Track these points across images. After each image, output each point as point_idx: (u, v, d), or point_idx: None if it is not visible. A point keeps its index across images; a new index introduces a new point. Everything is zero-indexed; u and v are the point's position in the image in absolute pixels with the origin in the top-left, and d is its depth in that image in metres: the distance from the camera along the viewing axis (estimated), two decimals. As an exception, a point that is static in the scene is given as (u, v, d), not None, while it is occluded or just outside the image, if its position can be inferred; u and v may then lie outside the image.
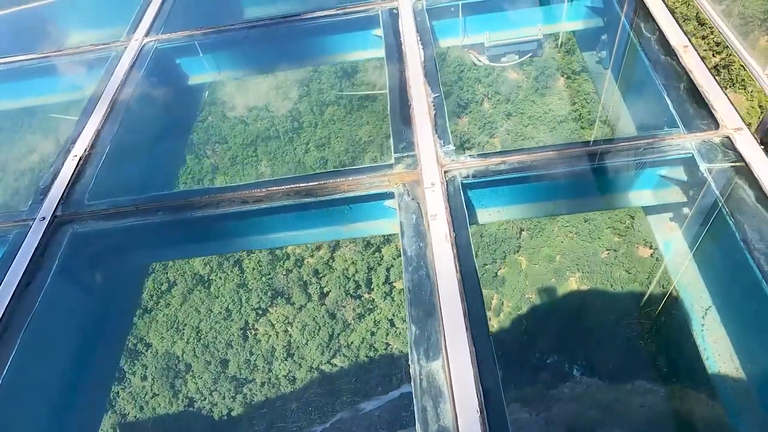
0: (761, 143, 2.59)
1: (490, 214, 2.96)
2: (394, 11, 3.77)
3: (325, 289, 29.51)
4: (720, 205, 2.46)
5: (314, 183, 2.78)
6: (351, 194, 2.75)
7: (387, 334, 29.12)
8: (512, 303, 30.93)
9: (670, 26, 3.22)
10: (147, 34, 3.98)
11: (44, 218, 2.82)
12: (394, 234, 2.74)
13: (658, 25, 3.27)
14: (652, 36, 3.26)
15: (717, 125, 2.66)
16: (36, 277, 2.68)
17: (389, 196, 2.75)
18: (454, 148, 2.81)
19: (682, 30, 3.18)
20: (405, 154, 2.84)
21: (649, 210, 3.16)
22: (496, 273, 31.59)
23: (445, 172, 2.70)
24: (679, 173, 2.76)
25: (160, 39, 3.95)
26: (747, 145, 2.55)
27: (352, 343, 29.50)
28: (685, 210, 2.86)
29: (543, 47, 4.14)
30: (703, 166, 2.54)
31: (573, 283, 30.38)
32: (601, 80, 4.11)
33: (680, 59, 3.02)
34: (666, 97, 2.93)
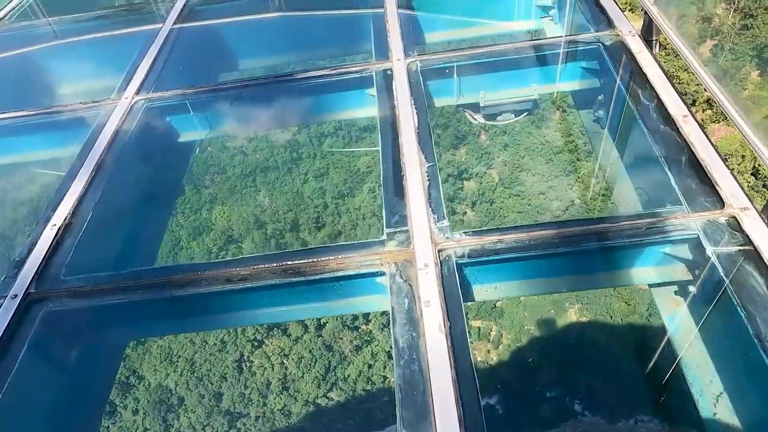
0: (769, 224, 2.48)
1: (487, 291, 2.83)
2: (389, 72, 3.71)
3: (323, 320, 29.11)
4: (729, 293, 2.33)
5: (302, 261, 2.66)
6: (341, 273, 2.62)
7: (384, 367, 28.59)
8: (511, 335, 30.49)
9: (669, 94, 3.16)
10: (138, 92, 3.92)
11: (16, 296, 2.68)
12: (386, 310, 2.60)
13: (655, 92, 3.21)
14: (650, 103, 3.19)
15: (722, 204, 2.55)
16: (5, 359, 2.52)
17: (381, 273, 2.62)
18: (449, 223, 2.70)
19: (681, 98, 3.12)
20: (397, 230, 2.72)
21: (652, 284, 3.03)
22: (495, 304, 31.26)
23: (439, 251, 2.58)
24: (684, 252, 2.64)
25: (151, 97, 3.88)
26: (755, 226, 2.43)
27: (348, 376, 28.93)
28: (691, 288, 2.73)
29: (539, 106, 4.08)
30: (709, 250, 2.42)
31: (572, 315, 30.02)
32: (598, 139, 4.04)
33: (680, 129, 2.94)
34: (667, 170, 2.84)
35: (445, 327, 2.26)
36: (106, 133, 3.56)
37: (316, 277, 2.62)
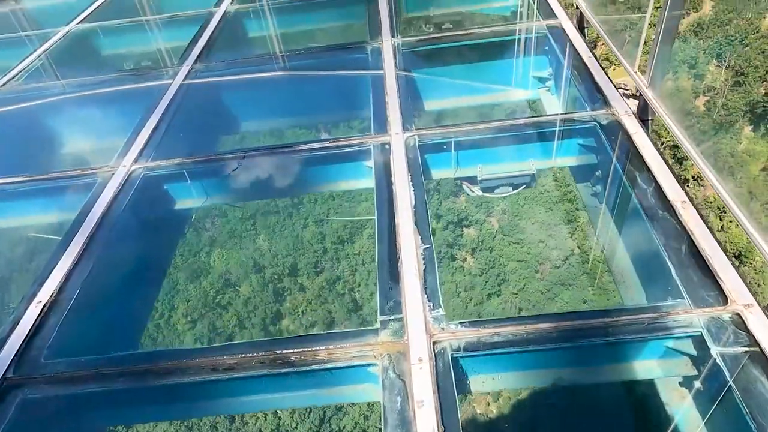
0: (774, 323, 2.40)
1: (484, 382, 2.71)
2: (386, 146, 3.73)
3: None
4: (735, 396, 2.22)
5: (291, 350, 2.56)
6: (332, 364, 2.52)
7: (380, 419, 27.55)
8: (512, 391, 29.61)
9: (666, 178, 3.15)
10: (136, 160, 3.93)
11: (-7, 381, 2.57)
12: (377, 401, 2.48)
13: (653, 175, 3.20)
14: (647, 186, 3.18)
15: (725, 299, 2.48)
16: (-25, 451, 2.39)
17: (374, 364, 2.52)
18: (444, 312, 2.62)
19: (679, 183, 3.11)
20: (391, 317, 2.64)
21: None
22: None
23: (434, 343, 2.49)
24: (688, 347, 2.55)
25: (149, 166, 3.89)
26: (760, 325, 2.36)
27: (344, 428, 27.89)
28: (696, 383, 2.62)
29: (536, 180, 4.09)
30: (714, 349, 2.34)
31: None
32: (596, 213, 4.01)
33: (679, 216, 2.91)
34: (667, 259, 2.78)
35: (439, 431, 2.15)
36: (100, 204, 3.53)
37: (307, 367, 2.52)
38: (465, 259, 34.28)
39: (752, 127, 34.12)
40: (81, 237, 3.32)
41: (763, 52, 33.63)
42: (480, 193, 4.14)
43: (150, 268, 3.74)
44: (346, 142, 3.83)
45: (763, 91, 33.67)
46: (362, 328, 2.60)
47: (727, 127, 34.48)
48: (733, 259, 2.56)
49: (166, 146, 4.09)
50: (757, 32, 33.76)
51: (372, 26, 5.41)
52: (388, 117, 3.99)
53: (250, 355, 2.56)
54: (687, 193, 3.05)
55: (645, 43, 3.77)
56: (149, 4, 6.80)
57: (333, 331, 2.98)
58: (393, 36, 5.11)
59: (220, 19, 5.95)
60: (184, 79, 4.86)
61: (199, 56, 5.23)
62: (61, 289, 3.01)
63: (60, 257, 3.20)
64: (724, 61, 34.18)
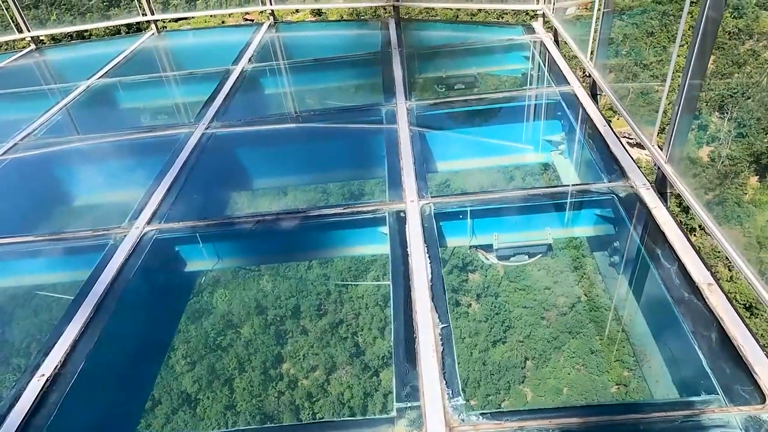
0: (816, 423, 2.27)
1: (506, 477, 2.55)
2: (402, 214, 3.70)
3: (318, 415, 27.40)
4: None
5: (304, 439, 2.43)
6: (345, 456, 2.38)
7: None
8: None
9: (691, 258, 3.07)
10: (149, 222, 3.90)
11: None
12: None
13: (676, 254, 3.13)
14: (670, 266, 3.10)
15: (763, 397, 2.35)
16: None
17: (390, 456, 2.38)
18: (464, 401, 2.50)
19: (705, 264, 3.03)
20: (408, 405, 2.51)
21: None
22: (500, 405, 29.66)
23: (454, 437, 2.35)
24: (724, 446, 2.40)
25: (162, 228, 3.86)
26: (801, 428, 2.22)
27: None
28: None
29: (552, 249, 4.02)
30: (754, 454, 2.19)
31: (583, 421, 28.21)
32: (613, 283, 3.92)
33: (707, 300, 2.81)
34: (695, 345, 2.67)
35: None
36: (110, 269, 3.48)
37: (318, 459, 2.38)
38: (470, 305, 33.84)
39: (758, 177, 34.26)
40: (89, 303, 3.25)
41: (763, 104, 34.21)
42: (495, 261, 4.07)
43: (157, 336, 3.64)
44: (361, 209, 3.81)
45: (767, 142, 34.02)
46: (377, 417, 2.49)
47: (732, 177, 34.60)
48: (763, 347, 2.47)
49: (180, 207, 4.07)
50: (758, 85, 34.42)
51: (387, 87, 5.50)
52: (403, 183, 3.98)
53: (260, 444, 2.42)
54: (713, 274, 2.97)
55: (664, 113, 3.77)
56: (169, 61, 7.00)
57: (347, 419, 2.83)
58: (407, 98, 5.18)
59: (238, 77, 6.08)
60: (200, 137, 4.91)
61: (215, 114, 5.31)
62: (65, 362, 2.91)
63: (66, 326, 3.12)
64: (727, 113, 34.70)
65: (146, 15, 7.61)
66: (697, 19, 3.09)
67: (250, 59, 6.54)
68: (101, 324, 3.15)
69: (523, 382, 30.08)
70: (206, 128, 5.09)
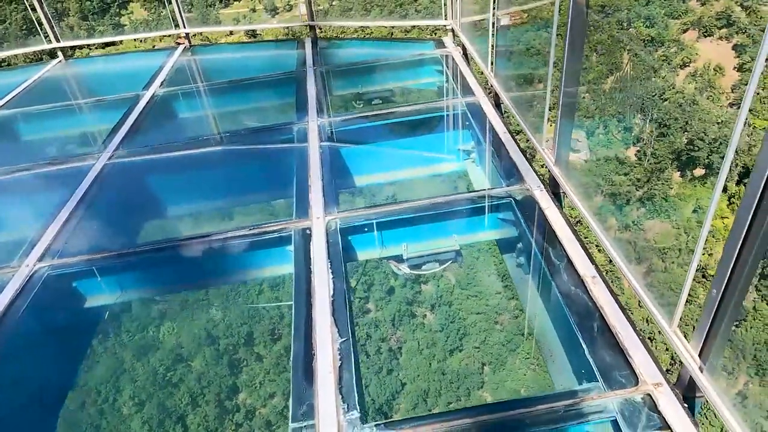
0: (684, 400, 2.42)
1: (407, 487, 2.55)
2: (308, 231, 3.68)
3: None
4: (654, 487, 2.18)
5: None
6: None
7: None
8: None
9: (577, 252, 3.24)
10: (41, 259, 3.69)
11: None
12: None
13: (564, 250, 3.29)
14: (560, 262, 3.25)
15: (636, 379, 2.49)
16: None
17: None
18: (359, 413, 2.49)
19: (589, 257, 3.20)
20: (304, 424, 2.48)
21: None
22: (458, 413, 29.73)
23: (348, 452, 2.34)
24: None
25: (54, 264, 3.65)
26: (670, 406, 2.36)
27: None
28: (622, 468, 2.56)
29: (462, 255, 4.12)
30: (629, 437, 2.31)
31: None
32: (524, 285, 4.06)
33: (590, 292, 2.97)
34: (580, 337, 2.80)
35: None
36: (-6, 311, 3.25)
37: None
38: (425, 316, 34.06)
39: (680, 173, 36.63)
40: (-32, 352, 3.03)
41: (680, 106, 36.79)
42: (408, 271, 4.11)
43: (53, 379, 3.42)
44: (267, 229, 3.76)
45: (686, 140, 36.55)
46: (272, 440, 2.41)
47: (658, 173, 36.80)
48: (642, 336, 2.61)
49: (78, 241, 3.88)
50: (673, 88, 37.08)
51: (300, 106, 5.52)
52: (310, 200, 3.98)
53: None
54: (597, 267, 3.13)
55: (550, 124, 3.98)
56: (77, 89, 6.72)
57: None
58: (319, 116, 5.21)
59: (147, 103, 5.92)
60: (103, 167, 4.72)
61: (121, 142, 5.13)
62: (-65, 418, 2.68)
63: (-60, 378, 2.88)
64: (648, 114, 37.05)
65: (51, 42, 7.28)
66: (565, 38, 3.29)
67: (161, 84, 6.39)
68: (-20, 372, 2.93)
69: (482, 387, 30.52)
70: (111, 157, 4.90)
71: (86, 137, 5.84)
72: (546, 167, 3.92)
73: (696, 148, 34.92)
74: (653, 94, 36.89)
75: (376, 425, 2.44)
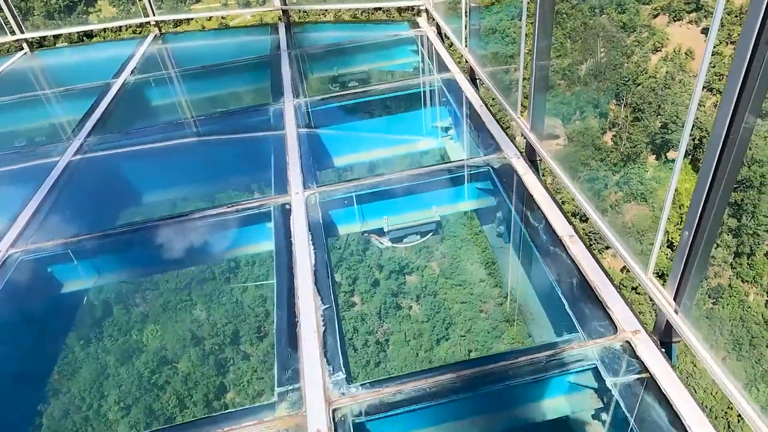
0: (661, 345, 2.48)
1: (395, 445, 2.57)
2: (287, 206, 3.66)
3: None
4: (635, 427, 2.23)
5: (179, 440, 2.32)
6: (224, 450, 2.30)
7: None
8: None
9: (555, 214, 3.28)
10: (13, 245, 3.60)
11: None
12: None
13: (543, 213, 3.33)
14: (538, 224, 3.29)
15: (615, 328, 2.54)
16: None
17: (272, 443, 2.32)
18: (345, 374, 2.50)
19: (567, 218, 3.25)
20: (289, 388, 2.48)
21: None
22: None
23: (334, 410, 2.34)
24: (589, 380, 2.56)
25: (28, 249, 3.57)
26: (648, 351, 2.42)
27: None
28: (604, 416, 2.62)
29: (442, 227, 4.14)
30: (609, 381, 2.36)
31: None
32: (504, 254, 4.11)
33: (568, 251, 3.01)
34: (560, 293, 2.85)
35: None
36: (-34, 297, 3.17)
37: (196, 458, 2.28)
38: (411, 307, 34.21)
39: (655, 156, 37.29)
40: (-60, 338, 2.94)
41: (653, 90, 37.39)
42: (389, 244, 4.12)
43: (31, 363, 3.35)
44: (246, 206, 3.73)
45: (660, 124, 37.23)
46: (257, 404, 2.41)
47: (634, 157, 37.39)
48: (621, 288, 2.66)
49: (51, 226, 3.79)
50: (646, 73, 37.68)
51: (275, 89, 5.46)
52: (289, 176, 3.95)
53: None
54: (574, 227, 3.18)
55: (524, 93, 4.01)
56: (44, 80, 6.54)
57: (227, 411, 2.73)
58: (295, 96, 5.17)
59: (119, 90, 5.79)
60: (75, 153, 4.61)
61: (93, 129, 5.02)
62: None
63: None
64: (623, 100, 37.59)
65: (15, 34, 7.06)
66: (536, 12, 3.32)
67: (132, 71, 6.25)
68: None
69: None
70: (82, 143, 4.79)
71: (55, 127, 5.70)
72: (523, 136, 3.96)
73: (669, 131, 35.64)
74: (627, 79, 37.48)
75: (361, 384, 2.45)
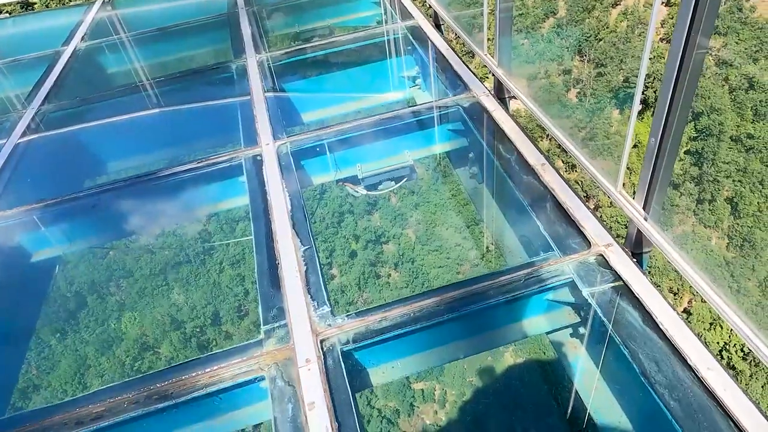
0: (634, 256, 2.58)
1: (384, 373, 2.63)
2: (258, 158, 3.60)
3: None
4: (613, 333, 2.33)
5: (168, 381, 2.32)
6: (215, 387, 2.31)
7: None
8: (455, 390, 30.04)
9: (526, 145, 3.32)
10: (-27, 215, 3.45)
11: None
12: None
13: (514, 145, 3.37)
14: (510, 156, 3.34)
15: (589, 244, 2.63)
16: None
17: (262, 378, 2.35)
18: (330, 308, 2.52)
19: (537, 148, 3.29)
20: (276, 325, 2.49)
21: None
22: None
23: (321, 341, 2.37)
24: (566, 296, 2.65)
25: (-10, 218, 3.43)
26: (620, 261, 2.51)
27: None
28: (582, 330, 2.74)
29: (416, 171, 4.16)
30: (585, 291, 2.45)
31: (509, 358, 30.46)
32: (477, 194, 4.16)
33: (541, 178, 3.07)
34: (535, 217, 2.92)
35: (333, 430, 2.02)
36: (-72, 269, 3.04)
37: (187, 397, 2.28)
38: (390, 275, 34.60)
39: (619, 110, 37.93)
40: None
41: (614, 45, 37.73)
42: (365, 192, 4.12)
43: (8, 331, 3.26)
44: (216, 159, 3.65)
45: (622, 78, 37.75)
46: (245, 343, 2.41)
47: (599, 113, 37.94)
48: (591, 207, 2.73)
49: (12, 195, 3.64)
50: (607, 27, 37.97)
51: (236, 46, 5.29)
52: (258, 129, 3.87)
53: (120, 397, 2.27)
54: (546, 156, 3.24)
55: (489, 29, 3.99)
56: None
57: (214, 352, 2.74)
58: (257, 52, 5.02)
59: (70, 57, 5.51)
60: (28, 124, 4.40)
61: (46, 97, 4.79)
62: None
63: None
64: (586, 55, 37.85)
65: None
66: None
67: (83, 38, 5.94)
68: None
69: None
70: (37, 111, 4.57)
71: (2, 100, 5.41)
72: (491, 73, 3.96)
73: (631, 85, 36.21)
74: (588, 35, 37.70)
75: (347, 315, 2.48)
